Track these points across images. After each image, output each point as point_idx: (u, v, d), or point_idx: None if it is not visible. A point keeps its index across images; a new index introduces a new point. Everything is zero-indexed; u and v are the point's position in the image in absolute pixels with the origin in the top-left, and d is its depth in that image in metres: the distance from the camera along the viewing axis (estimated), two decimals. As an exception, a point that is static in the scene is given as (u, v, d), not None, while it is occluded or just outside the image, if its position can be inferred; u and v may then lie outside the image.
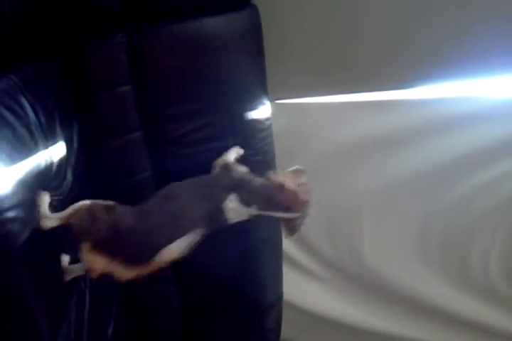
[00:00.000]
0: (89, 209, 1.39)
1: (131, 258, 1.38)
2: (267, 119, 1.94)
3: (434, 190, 2.11)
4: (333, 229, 2.30)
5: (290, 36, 1.92)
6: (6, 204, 1.28)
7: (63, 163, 1.57)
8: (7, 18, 1.36)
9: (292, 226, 1.56)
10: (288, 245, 2.32)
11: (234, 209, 1.49)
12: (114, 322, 1.86)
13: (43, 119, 1.44)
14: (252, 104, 1.86)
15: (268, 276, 2.22)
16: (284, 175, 1.53)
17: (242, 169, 1.65)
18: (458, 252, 2.23)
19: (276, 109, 2.02)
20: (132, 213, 1.43)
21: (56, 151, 1.53)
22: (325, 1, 1.85)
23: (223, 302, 2.17)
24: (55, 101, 1.55)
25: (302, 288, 2.43)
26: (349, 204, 2.22)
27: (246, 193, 1.50)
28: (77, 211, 1.40)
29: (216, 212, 1.49)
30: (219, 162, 1.69)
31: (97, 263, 1.37)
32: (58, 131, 1.54)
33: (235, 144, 1.86)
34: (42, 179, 1.46)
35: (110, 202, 1.44)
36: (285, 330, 2.40)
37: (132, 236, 1.40)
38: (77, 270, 1.54)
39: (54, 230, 1.48)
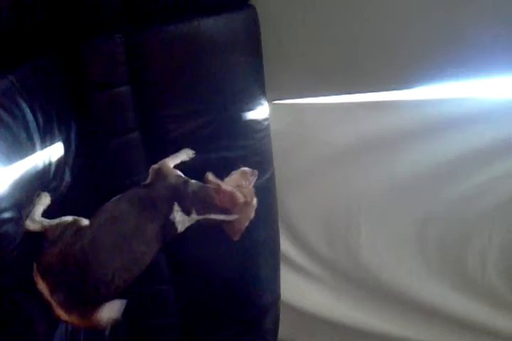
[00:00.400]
0: (56, 226, 1.38)
1: (71, 298, 1.33)
2: (264, 120, 1.94)
3: (432, 191, 2.10)
4: (330, 230, 2.30)
5: (288, 37, 1.92)
6: (3, 205, 1.28)
7: (61, 163, 1.57)
8: (5, 20, 1.36)
9: (234, 229, 1.56)
10: (286, 246, 2.32)
11: (180, 220, 1.49)
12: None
13: (40, 120, 1.44)
14: (250, 104, 1.86)
15: (265, 277, 2.22)
16: (233, 176, 1.55)
17: (174, 174, 1.60)
18: (455, 253, 2.22)
19: (274, 110, 2.02)
20: (82, 239, 1.38)
21: (54, 152, 1.53)
22: (323, 2, 1.85)
23: (221, 304, 2.17)
24: (53, 101, 1.55)
25: (300, 288, 2.42)
26: (347, 204, 2.22)
27: (184, 201, 1.49)
28: (57, 225, 1.38)
29: (167, 227, 1.49)
30: (153, 167, 1.65)
31: (41, 288, 1.34)
32: (56, 131, 1.54)
33: (232, 145, 1.87)
34: (40, 180, 1.46)
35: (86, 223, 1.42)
36: (283, 331, 2.40)
37: (77, 267, 1.35)
38: None
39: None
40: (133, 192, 1.56)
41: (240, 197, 1.48)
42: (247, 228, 2.03)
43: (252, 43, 1.83)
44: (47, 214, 1.44)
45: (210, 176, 1.54)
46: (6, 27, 1.40)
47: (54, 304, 1.32)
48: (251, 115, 1.88)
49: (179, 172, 1.61)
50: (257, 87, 1.89)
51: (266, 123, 1.95)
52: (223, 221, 1.53)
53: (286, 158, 2.05)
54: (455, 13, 1.75)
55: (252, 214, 1.56)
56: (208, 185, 1.53)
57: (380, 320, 2.43)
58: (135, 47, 1.69)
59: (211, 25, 1.71)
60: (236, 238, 1.59)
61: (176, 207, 1.48)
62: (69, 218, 1.40)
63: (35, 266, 1.33)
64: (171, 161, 1.67)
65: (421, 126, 1.96)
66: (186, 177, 1.59)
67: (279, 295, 2.32)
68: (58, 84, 1.62)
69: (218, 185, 1.49)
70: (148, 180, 1.62)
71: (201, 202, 1.50)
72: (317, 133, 2.07)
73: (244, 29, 1.78)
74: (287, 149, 2.09)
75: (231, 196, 1.48)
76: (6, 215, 1.29)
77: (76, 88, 1.70)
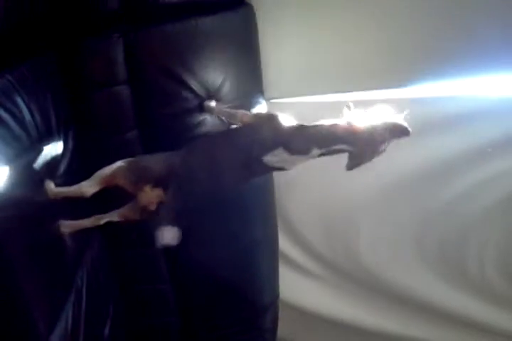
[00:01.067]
0: (129, 166, 1.48)
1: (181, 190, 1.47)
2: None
3: (431, 190, 2.11)
4: (329, 228, 2.30)
5: (285, 35, 1.92)
6: (1, 203, 1.28)
7: (58, 162, 1.57)
8: (3, 18, 1.36)
9: (356, 161, 1.56)
10: (284, 244, 2.32)
11: (279, 159, 1.52)
12: (111, 322, 1.87)
13: (38, 119, 1.44)
14: (247, 102, 1.85)
15: (264, 276, 2.23)
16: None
17: (286, 120, 1.58)
18: (454, 251, 2.23)
19: (272, 108, 2.01)
20: (179, 154, 1.53)
21: (52, 151, 1.53)
22: (322, 1, 1.85)
23: (220, 302, 2.18)
24: (51, 100, 1.55)
25: (299, 287, 2.43)
26: (345, 203, 2.22)
27: (297, 144, 1.51)
28: (118, 171, 1.48)
29: (255, 165, 1.53)
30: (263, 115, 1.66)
31: (156, 196, 1.46)
32: (54, 130, 1.54)
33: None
34: (37, 178, 1.46)
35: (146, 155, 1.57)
36: (282, 330, 2.40)
37: (181, 172, 1.49)
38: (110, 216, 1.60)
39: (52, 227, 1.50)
40: (233, 132, 1.65)
41: (365, 131, 1.50)
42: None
43: (249, 42, 1.83)
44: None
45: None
46: (4, 26, 1.40)
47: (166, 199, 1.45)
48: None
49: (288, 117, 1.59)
50: (254, 85, 1.90)
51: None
52: (346, 150, 1.53)
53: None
54: (455, 10, 1.76)
55: (375, 155, 1.56)
56: (332, 122, 1.54)
57: (379, 319, 2.44)
58: (133, 46, 1.69)
59: (208, 23, 1.71)
60: (349, 169, 1.58)
61: (278, 151, 1.50)
62: (117, 164, 1.51)
63: (147, 188, 1.45)
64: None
65: (419, 124, 1.93)
66: (299, 123, 1.58)
67: (278, 294, 2.32)
68: (57, 83, 1.62)
69: (349, 121, 1.50)
70: (244, 119, 1.63)
71: (322, 138, 1.52)
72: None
73: (241, 28, 1.79)
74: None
75: (358, 128, 1.49)
76: (6, 213, 1.29)
77: (74, 87, 1.70)
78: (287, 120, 1.56)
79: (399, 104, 1.95)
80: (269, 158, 1.51)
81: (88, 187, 1.49)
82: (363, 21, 1.86)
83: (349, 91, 1.96)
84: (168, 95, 1.76)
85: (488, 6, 1.71)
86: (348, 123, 1.51)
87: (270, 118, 1.57)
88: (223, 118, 1.76)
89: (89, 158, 1.74)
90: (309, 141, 1.52)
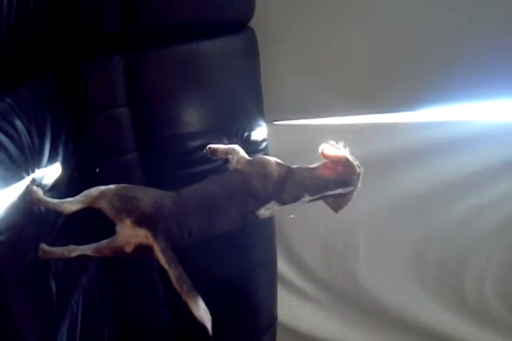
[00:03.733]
0: (122, 191, 1.39)
1: (170, 236, 1.37)
2: (263, 141, 1.94)
3: (431, 212, 2.11)
4: (328, 251, 2.29)
5: (287, 59, 1.94)
6: (-1, 227, 1.27)
7: (57, 185, 1.56)
8: (4, 41, 1.36)
9: (343, 202, 1.54)
10: (283, 267, 2.31)
11: (271, 212, 1.48)
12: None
13: (36, 142, 1.43)
14: (248, 125, 1.86)
15: (263, 298, 2.20)
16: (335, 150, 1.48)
17: (274, 164, 1.50)
18: (453, 274, 2.23)
19: (274, 131, 2.02)
20: (170, 194, 1.43)
21: (50, 173, 1.52)
22: (322, 25, 1.87)
23: (217, 324, 2.13)
24: (51, 123, 1.54)
25: (297, 310, 2.41)
26: (345, 225, 2.21)
27: (288, 193, 1.46)
28: (103, 193, 1.38)
29: (248, 217, 1.47)
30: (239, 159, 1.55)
31: (136, 236, 1.36)
32: (53, 153, 1.53)
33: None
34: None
35: (137, 186, 1.47)
36: (279, 353, 2.37)
37: (171, 215, 1.38)
38: (84, 249, 1.50)
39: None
40: (227, 177, 1.54)
41: (358, 169, 1.47)
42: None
43: (250, 65, 1.84)
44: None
45: (326, 148, 1.48)
46: (4, 48, 1.40)
47: (157, 245, 1.34)
48: (249, 136, 1.87)
49: (277, 161, 1.53)
50: (255, 108, 1.89)
51: (264, 144, 1.94)
52: (334, 195, 1.49)
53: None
54: (457, 34, 1.77)
55: (359, 186, 1.51)
56: (316, 165, 1.50)
57: (377, 342, 2.41)
58: (134, 68, 1.69)
59: (210, 47, 1.72)
60: (338, 211, 1.57)
61: (270, 205, 1.45)
62: (109, 186, 1.41)
63: (128, 221, 1.34)
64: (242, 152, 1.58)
65: (420, 148, 1.97)
66: (287, 165, 1.51)
67: (276, 317, 2.30)
68: (56, 105, 1.61)
69: (345, 157, 1.45)
70: (238, 166, 1.53)
71: (314, 184, 1.46)
72: (316, 154, 2.06)
73: (243, 51, 1.79)
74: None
75: (353, 167, 1.45)
76: (1, 238, 1.28)
77: (74, 109, 1.70)
78: (274, 163, 1.50)
79: (400, 129, 1.99)
80: (262, 211, 1.46)
81: (70, 204, 1.39)
82: (365, 46, 1.87)
83: (351, 115, 1.96)
84: (169, 118, 1.76)
85: (490, 31, 1.73)
86: (337, 164, 1.46)
87: (260, 165, 1.50)
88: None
89: (89, 180, 1.72)
90: (300, 188, 1.46)
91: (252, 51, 1.81)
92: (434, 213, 2.11)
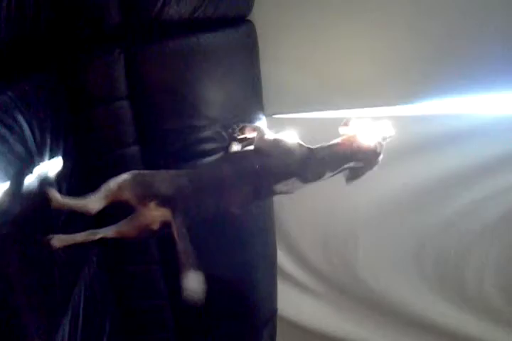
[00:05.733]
0: (135, 179, 1.44)
1: (187, 213, 1.44)
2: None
3: (430, 206, 2.11)
4: (328, 244, 2.29)
5: (287, 52, 1.93)
6: (1, 221, 1.27)
7: (59, 178, 1.56)
8: (4, 34, 1.36)
9: (355, 174, 1.60)
10: (283, 260, 2.31)
11: (289, 188, 1.55)
12: (108, 338, 1.85)
13: (38, 135, 1.43)
14: (247, 118, 1.86)
15: (263, 291, 2.21)
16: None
17: (295, 144, 1.58)
18: (453, 268, 2.22)
19: (274, 124, 2.02)
20: (186, 174, 1.51)
21: (51, 167, 1.52)
22: (322, 17, 1.86)
23: (217, 318, 2.15)
24: (52, 116, 1.54)
25: (297, 303, 2.42)
26: (345, 219, 2.22)
27: (310, 172, 1.54)
28: (120, 187, 1.43)
29: (263, 192, 1.55)
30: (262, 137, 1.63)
31: (160, 216, 1.43)
32: (54, 146, 1.53)
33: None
34: (36, 195, 1.44)
35: (151, 171, 1.51)
36: (280, 346, 2.38)
37: (188, 193, 1.46)
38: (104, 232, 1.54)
39: (47, 245, 1.48)
40: (243, 154, 1.62)
41: (374, 147, 1.55)
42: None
43: (250, 58, 1.84)
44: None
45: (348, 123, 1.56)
46: (5, 42, 1.40)
47: (174, 222, 1.42)
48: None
49: (300, 142, 1.59)
50: (255, 101, 1.90)
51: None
52: (353, 168, 1.57)
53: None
54: (458, 28, 1.78)
55: (375, 167, 1.60)
56: (335, 142, 1.57)
57: (376, 334, 2.42)
58: (134, 61, 1.69)
59: (209, 40, 1.71)
60: (349, 182, 1.63)
61: (290, 181, 1.53)
62: (123, 176, 1.45)
63: (152, 204, 1.41)
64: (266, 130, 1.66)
65: (419, 141, 1.97)
66: (308, 146, 1.58)
67: (276, 310, 2.31)
68: (57, 99, 1.61)
69: (355, 135, 1.53)
70: (261, 144, 1.61)
71: (333, 161, 1.55)
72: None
73: (242, 45, 1.80)
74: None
75: (367, 144, 1.54)
76: (5, 230, 1.28)
77: (75, 102, 1.70)
78: (297, 144, 1.57)
79: (399, 121, 1.97)
80: (280, 187, 1.53)
81: (95, 202, 1.42)
82: (364, 39, 1.87)
83: (350, 108, 1.96)
84: (169, 111, 1.76)
85: (491, 25, 1.73)
86: (353, 141, 1.54)
87: (282, 145, 1.57)
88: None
89: (90, 174, 1.73)
90: (322, 166, 1.54)
91: (251, 44, 1.82)
92: (433, 206, 2.11)
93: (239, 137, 1.77)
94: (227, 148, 1.80)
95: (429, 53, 1.83)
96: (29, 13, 1.44)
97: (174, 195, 1.44)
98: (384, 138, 1.60)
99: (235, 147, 1.79)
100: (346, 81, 1.94)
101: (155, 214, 1.43)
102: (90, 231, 1.53)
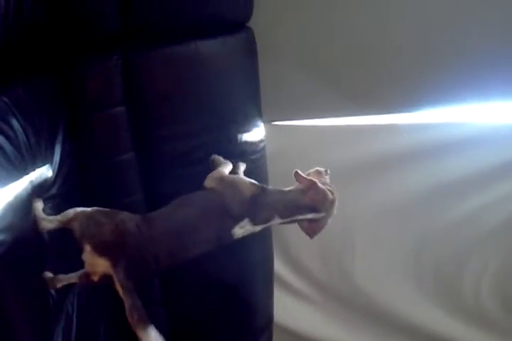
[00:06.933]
0: (91, 215, 1.38)
1: (132, 266, 1.35)
2: (260, 141, 1.93)
3: (427, 214, 2.11)
4: (325, 252, 2.28)
5: (286, 59, 1.93)
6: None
7: (52, 184, 1.55)
8: (0, 39, 1.35)
9: (316, 227, 1.54)
10: (280, 267, 2.30)
11: (244, 231, 1.47)
12: (102, 344, 1.83)
13: (33, 141, 1.42)
14: (246, 125, 1.85)
15: (259, 299, 2.20)
16: (310, 175, 1.51)
17: (247, 184, 1.53)
18: (450, 277, 2.22)
19: (273, 131, 2.01)
20: (135, 219, 1.41)
21: (46, 173, 1.51)
22: (321, 25, 1.86)
23: (214, 325, 2.14)
24: (47, 122, 1.53)
25: (293, 310, 2.40)
26: (341, 226, 2.20)
27: (260, 213, 1.46)
28: (77, 216, 1.38)
29: (224, 236, 1.47)
30: (214, 176, 1.58)
31: (99, 265, 1.35)
32: (49, 152, 1.52)
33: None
34: (30, 201, 1.43)
35: (111, 210, 1.44)
36: (275, 353, 2.36)
37: (133, 242, 1.37)
38: (68, 278, 1.50)
39: (40, 255, 1.47)
40: (209, 197, 1.52)
41: (331, 195, 1.47)
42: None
43: (249, 65, 1.84)
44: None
45: (299, 173, 1.49)
46: (1, 45, 1.39)
47: (115, 276, 1.33)
48: (247, 136, 1.87)
49: (251, 181, 1.54)
50: (253, 108, 1.89)
51: (262, 144, 1.94)
52: (306, 220, 1.50)
53: (283, 179, 2.03)
54: (456, 37, 1.78)
55: (335, 212, 1.52)
56: (290, 188, 1.51)
57: (373, 343, 2.41)
58: (132, 67, 1.68)
59: (208, 47, 1.71)
60: (313, 237, 1.57)
61: (244, 223, 1.45)
62: (87, 208, 1.41)
63: (89, 248, 1.33)
64: (226, 169, 1.62)
65: (415, 149, 1.97)
66: (261, 185, 1.53)
67: (272, 317, 2.29)
68: (53, 104, 1.60)
69: (313, 182, 1.46)
70: (211, 186, 1.55)
71: (284, 206, 1.47)
72: (314, 155, 2.06)
73: (241, 51, 1.79)
74: (283, 171, 2.08)
75: (323, 193, 1.45)
76: (-1, 237, 1.27)
77: (71, 107, 1.68)
78: (248, 183, 1.52)
79: (396, 130, 1.98)
80: (237, 230, 1.45)
81: (48, 222, 1.40)
82: (364, 47, 1.86)
83: (348, 116, 1.96)
84: (166, 117, 1.75)
85: (488, 34, 1.73)
86: (310, 189, 1.46)
87: (233, 183, 1.52)
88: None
89: (85, 180, 1.72)
90: (271, 209, 1.47)
91: (250, 51, 1.81)
92: (431, 215, 2.10)
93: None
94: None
95: (429, 62, 1.82)
96: (26, 19, 1.43)
97: (112, 243, 1.34)
98: (327, 180, 1.55)
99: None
100: (346, 89, 1.94)
101: (93, 262, 1.35)
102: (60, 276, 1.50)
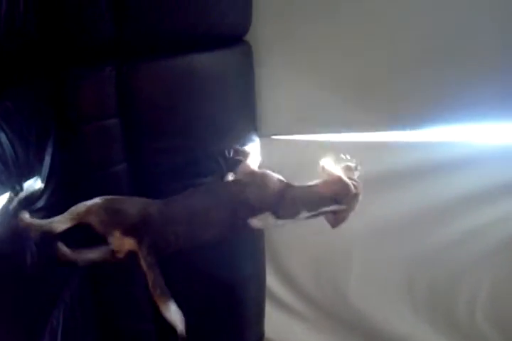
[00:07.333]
0: (107, 205, 1.45)
1: (155, 243, 1.44)
2: (255, 156, 1.90)
3: (422, 234, 2.07)
4: (319, 268, 2.25)
5: (283, 72, 1.90)
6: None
7: (39, 196, 1.53)
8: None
9: (338, 219, 1.56)
10: (272, 283, 2.27)
11: (265, 224, 1.52)
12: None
13: (21, 154, 1.40)
14: (240, 140, 1.82)
15: (250, 314, 2.17)
16: (337, 169, 1.53)
17: (275, 179, 1.56)
18: (444, 298, 2.19)
19: (271, 145, 1.99)
20: (156, 204, 1.50)
21: (33, 186, 1.49)
22: (319, 39, 1.83)
23: (204, 340, 2.11)
24: (36, 134, 1.50)
25: (284, 326, 2.36)
26: (337, 243, 2.17)
27: (285, 208, 1.50)
28: (91, 209, 1.44)
29: (237, 223, 1.51)
30: (245, 169, 1.63)
31: (125, 244, 1.43)
32: (37, 164, 1.50)
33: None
34: (16, 214, 1.41)
35: (122, 197, 1.52)
36: (266, 370, 2.33)
37: (155, 223, 1.45)
38: (89, 253, 1.55)
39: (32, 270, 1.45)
40: (222, 184, 1.63)
41: (353, 189, 1.49)
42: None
43: (245, 79, 1.81)
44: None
45: (326, 165, 1.53)
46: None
47: (140, 252, 1.42)
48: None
49: (279, 177, 1.57)
50: (248, 122, 1.87)
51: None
52: (333, 211, 1.53)
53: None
54: (457, 56, 1.75)
55: (356, 207, 1.55)
56: (314, 182, 1.54)
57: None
58: (126, 79, 1.66)
59: (204, 60, 1.69)
60: (335, 227, 1.59)
61: (263, 216, 1.49)
62: (95, 200, 1.46)
63: (117, 232, 1.41)
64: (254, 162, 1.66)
65: (413, 168, 1.95)
66: (287, 182, 1.56)
67: (263, 333, 2.26)
68: (43, 117, 1.57)
69: (338, 176, 1.49)
70: (239, 176, 1.63)
71: (310, 200, 1.51)
72: (310, 171, 2.03)
73: (237, 66, 1.77)
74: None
75: (347, 187, 1.48)
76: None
77: (63, 118, 1.66)
78: (276, 179, 1.55)
79: (394, 148, 1.95)
80: (255, 221, 1.50)
81: (59, 223, 1.44)
82: (364, 63, 1.83)
83: (348, 132, 1.94)
84: (160, 130, 1.73)
85: (489, 54, 1.71)
86: (334, 183, 1.49)
87: (260, 178, 1.55)
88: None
89: (76, 192, 1.69)
90: (297, 204, 1.50)
91: (246, 65, 1.79)
92: (426, 234, 2.07)
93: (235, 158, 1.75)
94: (222, 177, 1.77)
95: (430, 79, 1.80)
96: (18, 29, 1.41)
97: (140, 224, 1.43)
98: (355, 175, 1.57)
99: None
100: (346, 105, 1.91)
101: (120, 243, 1.43)
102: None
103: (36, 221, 1.45)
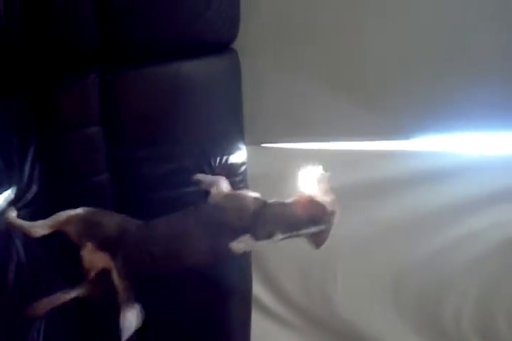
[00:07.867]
0: (86, 217, 1.45)
1: (129, 259, 1.44)
2: (242, 164, 1.88)
3: (410, 242, 2.07)
4: (306, 276, 2.23)
5: (271, 80, 1.88)
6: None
7: (21, 205, 1.52)
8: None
9: (319, 239, 1.55)
10: (259, 291, 2.25)
11: (245, 246, 1.50)
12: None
13: (1, 164, 1.37)
14: (227, 148, 1.80)
15: (236, 323, 2.14)
16: (310, 187, 1.51)
17: (251, 198, 1.55)
18: (431, 306, 2.19)
19: (261, 153, 1.97)
20: (135, 222, 1.50)
21: (11, 195, 1.48)
22: (308, 48, 1.81)
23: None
24: (17, 141, 1.49)
25: (272, 336, 2.35)
26: (323, 251, 2.14)
27: (261, 228, 1.47)
28: (70, 219, 1.44)
29: (219, 250, 1.50)
30: (218, 192, 1.63)
31: (97, 260, 1.43)
32: (16, 173, 1.49)
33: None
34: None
35: (103, 210, 1.51)
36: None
37: (131, 240, 1.45)
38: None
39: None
40: (203, 208, 1.58)
41: (331, 207, 1.49)
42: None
43: (232, 87, 1.78)
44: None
45: (301, 179, 1.53)
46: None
47: (113, 264, 1.42)
48: (227, 159, 1.82)
49: (255, 195, 1.57)
50: (235, 131, 1.84)
51: (243, 168, 1.89)
52: (313, 233, 1.51)
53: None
54: (455, 66, 1.74)
55: (336, 223, 1.54)
56: (290, 201, 1.52)
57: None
58: (110, 87, 1.63)
59: (191, 68, 1.67)
60: (318, 248, 1.57)
61: (244, 238, 1.47)
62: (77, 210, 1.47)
63: (90, 245, 1.42)
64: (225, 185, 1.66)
65: (403, 177, 1.94)
66: (264, 200, 1.54)
67: (249, 341, 2.24)
68: (24, 125, 1.55)
69: (311, 197, 1.48)
70: (216, 199, 1.61)
71: (286, 222, 1.49)
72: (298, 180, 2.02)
73: (224, 74, 1.74)
74: (266, 193, 2.04)
75: (322, 207, 1.47)
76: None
77: (45, 126, 1.63)
78: (252, 198, 1.54)
79: (384, 157, 1.94)
80: (235, 245, 1.48)
81: (39, 228, 1.45)
82: (355, 71, 1.82)
83: (338, 141, 1.93)
84: (143, 139, 1.70)
85: (487, 63, 1.71)
86: (310, 202, 1.48)
87: (238, 199, 1.56)
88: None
89: (57, 202, 1.65)
90: (272, 224, 1.48)
91: (233, 73, 1.76)
92: (413, 243, 2.07)
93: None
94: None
95: (425, 89, 1.79)
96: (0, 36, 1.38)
97: (116, 239, 1.43)
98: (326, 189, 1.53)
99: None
100: (336, 113, 1.89)
101: (93, 257, 1.43)
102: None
103: (19, 221, 1.47)
